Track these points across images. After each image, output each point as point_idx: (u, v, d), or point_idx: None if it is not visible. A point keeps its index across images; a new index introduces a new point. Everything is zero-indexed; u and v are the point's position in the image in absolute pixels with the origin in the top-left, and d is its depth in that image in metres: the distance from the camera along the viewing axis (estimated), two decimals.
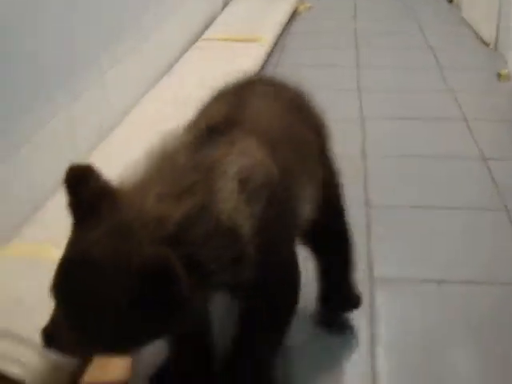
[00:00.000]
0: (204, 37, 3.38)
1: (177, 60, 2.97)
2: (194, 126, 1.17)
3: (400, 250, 1.71)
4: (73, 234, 0.98)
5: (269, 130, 1.17)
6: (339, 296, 1.45)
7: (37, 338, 1.06)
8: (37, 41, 1.68)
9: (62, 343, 0.98)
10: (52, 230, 1.46)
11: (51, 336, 0.98)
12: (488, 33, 3.43)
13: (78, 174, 0.97)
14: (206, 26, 3.55)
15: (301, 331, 1.37)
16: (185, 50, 3.12)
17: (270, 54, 3.34)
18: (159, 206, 0.95)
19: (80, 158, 1.81)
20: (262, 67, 3.13)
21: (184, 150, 1.05)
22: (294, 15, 4.12)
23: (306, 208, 1.23)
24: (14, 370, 1.15)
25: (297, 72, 2.99)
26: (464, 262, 1.65)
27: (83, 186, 0.96)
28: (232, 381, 1.19)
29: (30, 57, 1.65)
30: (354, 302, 1.46)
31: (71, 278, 0.94)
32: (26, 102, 1.63)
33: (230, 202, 1.00)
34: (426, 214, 1.88)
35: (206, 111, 1.25)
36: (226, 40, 3.32)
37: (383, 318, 1.48)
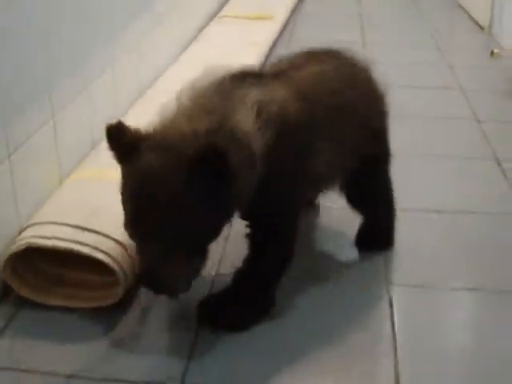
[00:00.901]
0: (220, 14, 3.63)
1: (199, 31, 3.25)
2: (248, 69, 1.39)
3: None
4: (123, 169, 1.21)
5: (310, 90, 1.37)
6: (377, 236, 1.67)
7: (117, 233, 1.34)
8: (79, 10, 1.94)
9: (164, 278, 1.19)
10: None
11: (154, 273, 1.19)
12: (482, 17, 3.72)
13: (114, 129, 1.21)
14: (223, 4, 3.81)
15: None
16: (205, 24, 3.39)
17: (281, 32, 3.61)
18: (189, 124, 1.19)
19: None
20: (274, 43, 3.39)
21: (214, 86, 1.28)
22: None
23: (320, 164, 1.39)
24: (104, 259, 1.41)
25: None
26: None
27: (119, 136, 1.21)
28: (236, 293, 1.40)
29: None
30: (390, 242, 1.67)
31: (146, 196, 1.15)
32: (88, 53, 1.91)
33: (246, 123, 1.22)
34: None
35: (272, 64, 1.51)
36: (241, 17, 3.58)
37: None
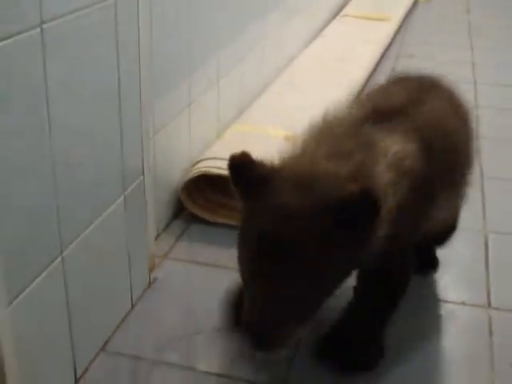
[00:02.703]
0: (342, 13, 4.00)
1: (321, 30, 3.63)
2: (364, 103, 1.32)
3: None
4: (248, 206, 1.10)
5: (433, 135, 1.27)
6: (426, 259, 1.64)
7: None
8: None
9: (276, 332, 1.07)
10: (266, 114, 2.16)
11: (263, 325, 1.06)
12: None
13: (238, 161, 1.11)
14: (344, 4, 4.18)
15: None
16: (328, 23, 3.77)
17: (396, 33, 3.95)
18: (329, 164, 1.07)
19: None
20: (390, 44, 3.73)
21: (347, 123, 1.20)
22: (415, 3, 4.69)
23: (438, 214, 1.33)
24: None
25: (419, 49, 3.64)
26: None
27: (246, 169, 1.09)
28: (342, 341, 1.31)
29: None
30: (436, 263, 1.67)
31: (280, 235, 1.02)
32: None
33: (384, 176, 1.12)
34: None
35: (382, 94, 1.39)
36: (360, 17, 3.93)
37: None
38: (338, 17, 3.93)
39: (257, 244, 1.05)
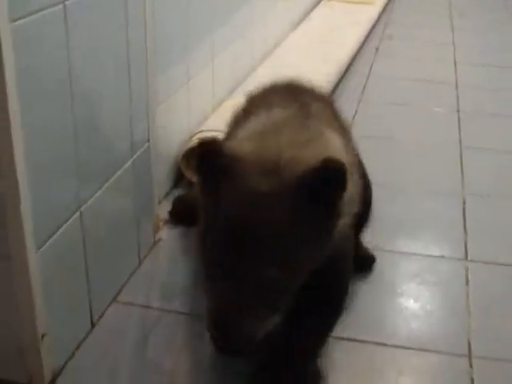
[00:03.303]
0: None
1: (306, 15, 3.76)
2: (277, 106, 1.29)
3: None
4: (212, 193, 1.07)
5: (332, 123, 1.32)
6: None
7: None
8: None
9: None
10: None
11: (233, 322, 1.02)
12: None
13: (208, 147, 1.08)
14: None
15: None
16: (312, 8, 3.91)
17: (380, 15, 4.09)
18: (293, 151, 1.08)
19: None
20: (374, 25, 3.87)
21: (293, 118, 1.21)
22: None
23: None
24: None
25: (402, 29, 3.79)
26: None
27: (214, 156, 1.06)
28: (287, 350, 1.23)
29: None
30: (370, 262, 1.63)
31: (250, 222, 1.01)
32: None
33: (345, 160, 1.09)
34: None
35: (273, 100, 1.36)
36: (345, 2, 4.06)
37: None
38: (323, 1, 4.06)
39: (226, 231, 1.03)
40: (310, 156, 1.06)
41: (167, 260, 1.68)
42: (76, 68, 1.21)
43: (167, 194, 1.97)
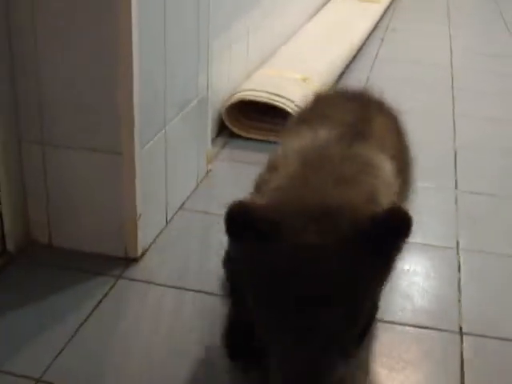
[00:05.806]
0: None
1: (318, 10, 4.22)
2: (330, 122, 1.20)
3: None
4: (257, 261, 0.97)
5: (388, 144, 1.22)
6: None
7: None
8: None
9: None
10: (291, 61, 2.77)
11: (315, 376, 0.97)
12: None
13: (238, 214, 0.97)
14: None
15: None
16: (324, 5, 4.36)
17: (385, 12, 4.56)
18: (337, 190, 0.99)
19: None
20: (378, 22, 4.34)
21: (336, 144, 1.11)
22: None
23: None
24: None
25: (405, 24, 4.26)
26: None
27: (248, 221, 0.96)
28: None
29: None
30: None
31: (312, 278, 0.93)
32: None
33: (388, 196, 1.06)
34: None
35: (333, 110, 1.28)
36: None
37: None
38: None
39: (289, 294, 0.94)
40: (359, 194, 1.00)
41: (219, 184, 2.12)
42: (169, 28, 1.67)
43: (212, 141, 2.41)
